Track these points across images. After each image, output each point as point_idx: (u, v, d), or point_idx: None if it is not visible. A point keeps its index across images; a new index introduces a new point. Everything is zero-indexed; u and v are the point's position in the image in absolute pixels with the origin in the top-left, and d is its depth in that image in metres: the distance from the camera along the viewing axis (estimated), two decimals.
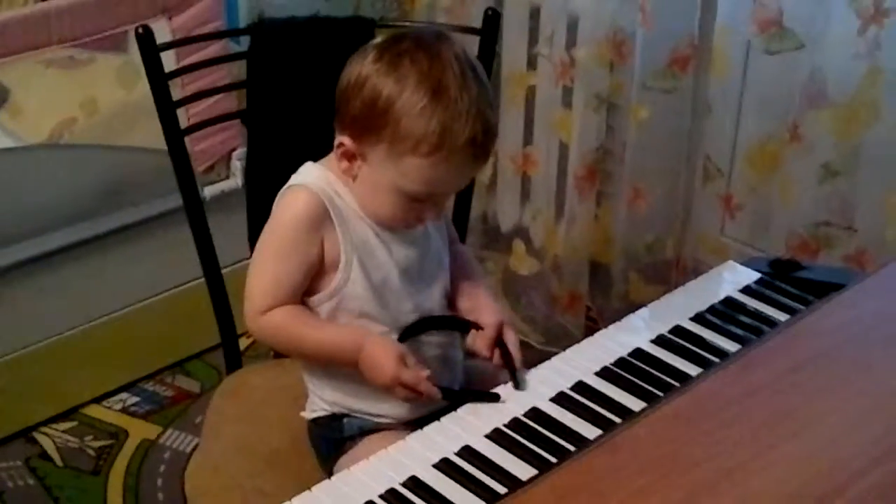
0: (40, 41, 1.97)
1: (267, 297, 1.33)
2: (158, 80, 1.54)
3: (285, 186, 1.35)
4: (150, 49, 1.52)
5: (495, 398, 1.29)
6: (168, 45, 1.58)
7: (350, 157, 1.31)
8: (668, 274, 2.42)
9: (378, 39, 1.31)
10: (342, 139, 1.31)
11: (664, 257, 2.42)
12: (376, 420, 1.41)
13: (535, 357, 2.44)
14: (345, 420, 1.42)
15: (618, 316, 2.41)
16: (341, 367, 1.37)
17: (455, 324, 1.42)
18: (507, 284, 2.67)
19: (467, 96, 1.25)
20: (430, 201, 1.32)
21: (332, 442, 1.43)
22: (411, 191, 1.29)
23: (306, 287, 1.35)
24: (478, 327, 1.39)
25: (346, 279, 1.34)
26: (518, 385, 1.31)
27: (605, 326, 2.43)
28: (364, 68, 1.28)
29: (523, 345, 2.19)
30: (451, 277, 1.45)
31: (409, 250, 1.37)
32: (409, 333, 1.38)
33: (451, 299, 1.44)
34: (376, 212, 1.33)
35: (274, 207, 1.36)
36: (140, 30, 1.50)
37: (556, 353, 2.36)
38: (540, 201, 2.54)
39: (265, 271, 1.34)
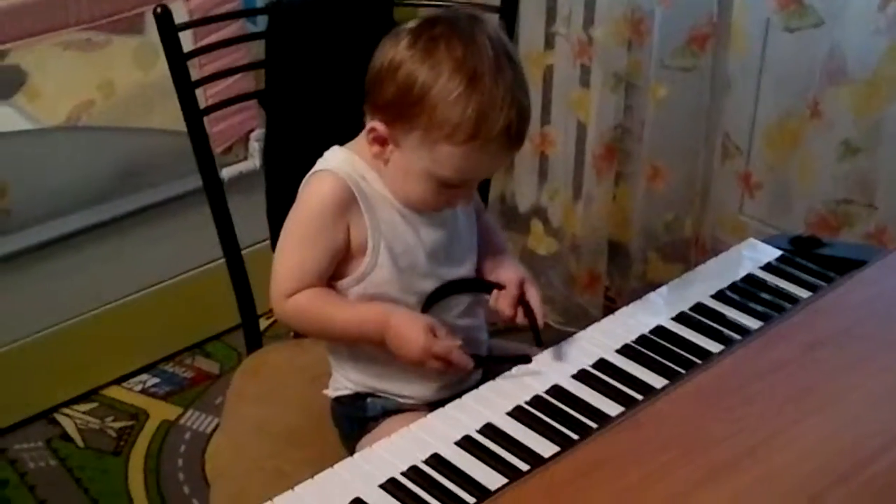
0: (58, 24, 1.98)
1: (293, 282, 1.33)
2: (177, 60, 1.53)
3: (311, 171, 1.35)
4: (168, 29, 1.51)
5: (527, 360, 1.29)
6: (186, 25, 1.58)
7: (382, 142, 1.30)
8: (686, 253, 2.41)
9: (412, 23, 1.28)
10: (374, 124, 1.29)
11: (683, 236, 2.42)
12: (400, 400, 1.41)
13: (554, 337, 2.46)
14: (368, 400, 1.42)
15: (636, 295, 2.40)
16: (369, 346, 1.36)
17: (477, 285, 1.41)
18: (525, 264, 2.62)
19: (503, 83, 1.23)
20: (462, 187, 1.31)
21: (356, 421, 1.43)
22: (444, 177, 1.28)
23: (332, 272, 1.35)
24: (500, 287, 1.38)
25: (374, 264, 1.34)
26: (540, 343, 1.31)
27: (624, 306, 2.48)
28: (398, 53, 1.26)
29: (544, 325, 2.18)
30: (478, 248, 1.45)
31: (436, 232, 1.37)
32: (432, 300, 1.37)
33: (476, 268, 1.44)
34: (407, 196, 1.32)
35: (300, 192, 1.35)
36: (158, 10, 1.50)
37: (574, 333, 2.37)
38: (558, 181, 2.54)
39: (291, 256, 1.34)
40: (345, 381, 1.44)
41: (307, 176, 1.35)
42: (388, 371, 1.38)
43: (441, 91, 1.22)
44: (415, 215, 1.35)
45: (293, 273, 1.33)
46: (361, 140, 1.34)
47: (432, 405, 1.36)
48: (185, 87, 1.55)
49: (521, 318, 1.37)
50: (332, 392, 1.46)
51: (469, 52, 1.23)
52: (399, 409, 1.41)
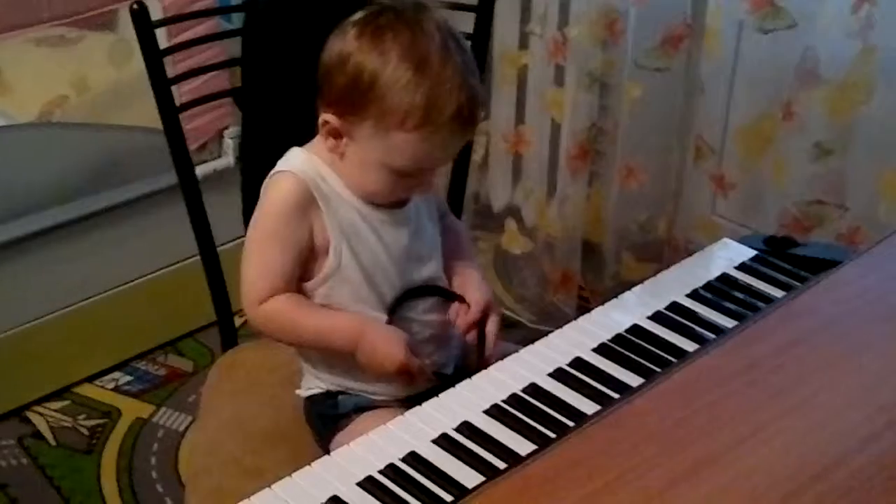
0: (31, 19, 1.96)
1: (262, 285, 1.33)
2: (153, 57, 1.53)
3: (271, 173, 1.35)
4: (144, 26, 1.51)
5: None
6: (163, 22, 1.57)
7: (336, 134, 1.30)
8: (660, 253, 2.43)
9: (357, 15, 1.29)
10: (327, 117, 1.30)
11: (656, 236, 2.43)
12: (371, 397, 1.41)
13: (528, 336, 2.47)
14: (340, 397, 1.42)
15: (610, 295, 2.41)
16: (339, 354, 1.37)
17: (439, 292, 1.41)
18: (499, 263, 2.68)
19: (451, 67, 1.24)
20: (419, 175, 1.31)
21: (328, 419, 1.43)
22: (400, 166, 1.28)
23: (300, 273, 1.35)
24: (463, 301, 1.39)
25: (338, 265, 1.34)
26: (479, 367, 1.31)
27: (598, 305, 2.49)
28: (346, 45, 1.27)
29: (516, 323, 2.20)
30: (442, 251, 1.45)
31: (398, 231, 1.37)
32: (396, 305, 1.37)
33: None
34: (365, 188, 1.33)
35: (262, 195, 1.35)
36: (135, 6, 1.49)
37: (548, 332, 2.37)
38: (532, 180, 2.54)
39: (258, 260, 1.34)
40: (315, 380, 1.44)
41: (267, 178, 1.35)
42: (357, 368, 1.38)
43: (390, 78, 1.23)
44: (375, 214, 1.35)
45: (261, 276, 1.33)
46: (320, 140, 1.34)
47: (403, 401, 1.37)
48: (160, 84, 1.55)
49: (471, 339, 1.39)
50: (303, 392, 1.46)
51: (416, 39, 1.24)
52: (371, 406, 1.41)
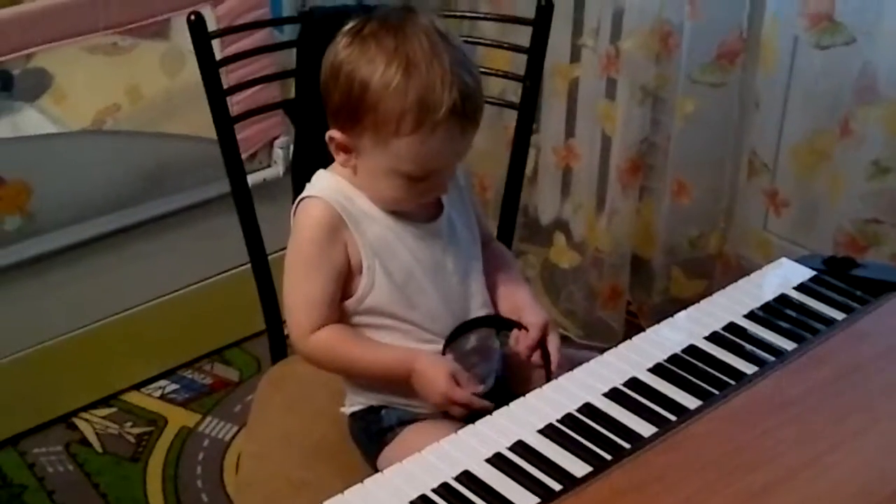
0: (86, 27, 1.97)
1: (309, 317, 1.34)
2: (209, 67, 1.53)
3: (299, 197, 1.35)
4: (201, 36, 1.51)
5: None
6: (220, 33, 1.57)
7: (344, 149, 1.31)
8: (710, 269, 2.40)
9: (346, 26, 1.30)
10: (332, 133, 1.31)
11: (707, 252, 2.40)
12: (414, 410, 1.40)
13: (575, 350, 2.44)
14: (383, 411, 1.42)
15: (658, 311, 2.43)
16: (392, 386, 1.37)
17: (498, 323, 1.41)
18: (546, 278, 2.66)
19: (439, 65, 1.23)
20: (431, 177, 1.30)
21: (373, 434, 1.43)
22: (407, 171, 1.28)
23: (341, 294, 1.35)
24: (522, 326, 1.38)
25: (371, 284, 1.34)
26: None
27: (646, 321, 2.47)
28: (336, 57, 1.28)
29: (563, 338, 2.18)
30: (488, 276, 1.44)
31: (430, 244, 1.36)
32: (452, 338, 1.37)
33: (490, 297, 1.43)
34: (383, 197, 1.32)
35: (293, 222, 1.36)
36: (192, 17, 1.49)
37: (595, 347, 2.35)
38: (581, 194, 2.52)
39: (300, 291, 1.34)
40: (357, 396, 1.44)
41: (295, 203, 1.35)
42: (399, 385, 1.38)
43: (379, 84, 1.23)
44: (406, 229, 1.34)
45: (306, 308, 1.34)
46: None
47: (446, 413, 1.36)
48: (216, 95, 1.55)
49: (536, 360, 1.38)
50: (347, 409, 1.46)
51: (400, 42, 1.24)
52: (415, 419, 1.40)
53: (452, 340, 1.37)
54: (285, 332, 1.72)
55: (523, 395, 1.25)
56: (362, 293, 1.35)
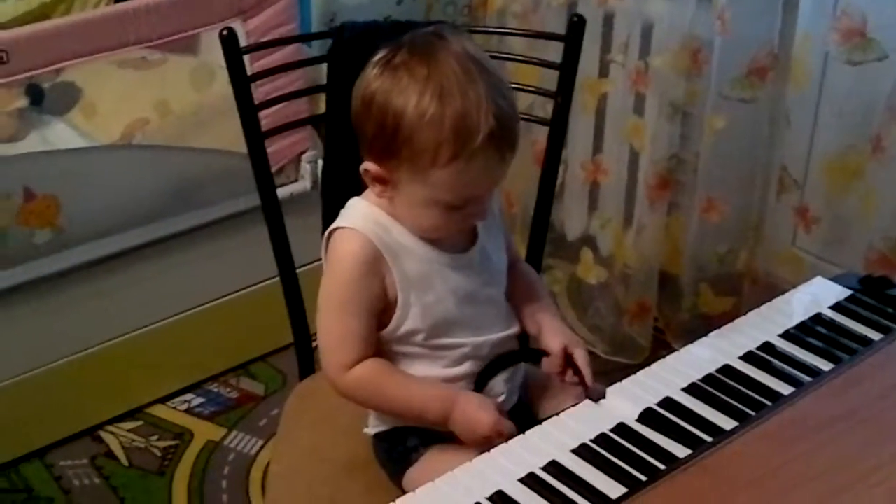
0: (116, 42, 1.98)
1: (346, 352, 1.32)
2: (241, 82, 1.53)
3: (333, 226, 1.33)
4: (233, 51, 1.51)
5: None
6: (253, 48, 1.58)
7: (380, 180, 1.28)
8: (739, 286, 2.38)
9: (377, 55, 1.27)
10: (367, 165, 1.28)
11: (735, 269, 2.38)
12: (438, 431, 1.38)
13: (601, 367, 2.44)
14: (407, 432, 1.41)
15: (686, 327, 2.41)
16: (427, 424, 1.35)
17: (526, 356, 1.41)
18: (573, 293, 2.64)
19: (473, 92, 1.21)
20: (471, 205, 1.28)
21: (397, 455, 1.41)
22: (446, 201, 1.26)
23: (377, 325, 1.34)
24: (546, 354, 1.37)
25: (405, 316, 1.33)
26: (594, 399, 1.28)
27: (674, 338, 2.46)
28: (368, 88, 1.25)
29: (590, 355, 2.17)
30: (515, 299, 1.43)
31: (465, 274, 1.34)
32: (485, 378, 1.36)
33: (518, 318, 1.43)
34: (422, 227, 1.30)
35: (328, 253, 1.33)
36: (224, 32, 1.49)
37: (622, 364, 2.33)
38: (609, 209, 2.51)
39: (336, 328, 1.32)
40: (380, 417, 1.43)
41: (329, 231, 1.33)
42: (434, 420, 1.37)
43: (413, 115, 1.21)
44: (441, 259, 1.32)
45: (343, 344, 1.32)
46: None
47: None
48: (247, 110, 1.55)
49: (570, 378, 1.36)
50: (370, 430, 1.45)
51: (432, 71, 1.22)
52: (438, 439, 1.38)
53: (484, 379, 1.36)
54: (313, 345, 1.73)
55: (544, 415, 1.24)
56: (396, 323, 1.33)
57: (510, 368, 1.40)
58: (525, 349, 1.41)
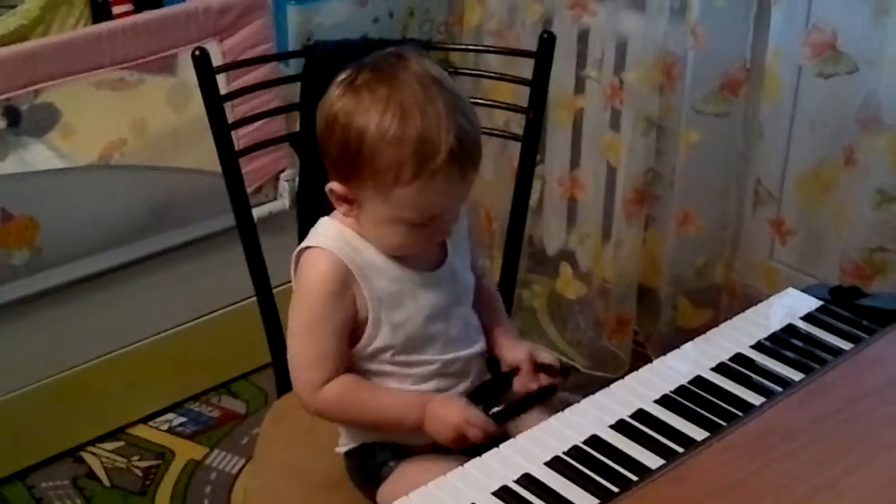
0: (93, 63, 1.99)
1: (317, 372, 1.32)
2: (214, 102, 1.54)
3: (303, 246, 1.33)
4: (206, 71, 1.52)
5: (551, 392, 1.33)
6: (225, 68, 1.58)
7: (346, 200, 1.29)
8: (717, 299, 2.40)
9: (339, 76, 1.28)
10: (332, 185, 1.29)
11: (713, 282, 2.40)
12: (408, 445, 1.40)
13: (582, 381, 2.45)
14: (376, 448, 1.42)
15: (665, 340, 2.42)
16: (403, 433, 1.36)
17: (498, 385, 1.41)
18: (553, 308, 2.66)
19: (433, 111, 1.22)
20: (434, 222, 1.29)
21: (368, 471, 1.42)
22: (410, 219, 1.27)
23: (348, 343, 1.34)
24: (516, 373, 1.39)
25: (375, 334, 1.33)
26: (566, 374, 1.35)
27: (653, 350, 2.47)
28: (332, 109, 1.27)
29: (569, 368, 2.20)
30: (479, 312, 1.44)
31: (434, 292, 1.35)
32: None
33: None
34: (387, 245, 1.31)
35: (298, 272, 1.34)
36: (197, 52, 1.50)
37: (602, 377, 2.34)
38: (587, 224, 2.53)
39: (307, 348, 1.33)
40: (350, 434, 1.44)
41: (298, 251, 1.33)
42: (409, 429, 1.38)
43: (374, 136, 1.22)
44: (411, 279, 1.33)
45: (314, 363, 1.32)
46: None
47: (439, 447, 1.35)
48: (221, 129, 1.56)
49: (545, 381, 1.38)
50: (341, 448, 1.45)
51: (394, 91, 1.23)
52: (408, 453, 1.39)
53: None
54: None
55: (519, 431, 1.24)
56: (367, 341, 1.34)
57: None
58: (497, 380, 1.42)
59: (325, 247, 1.31)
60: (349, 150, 1.24)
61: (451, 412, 1.30)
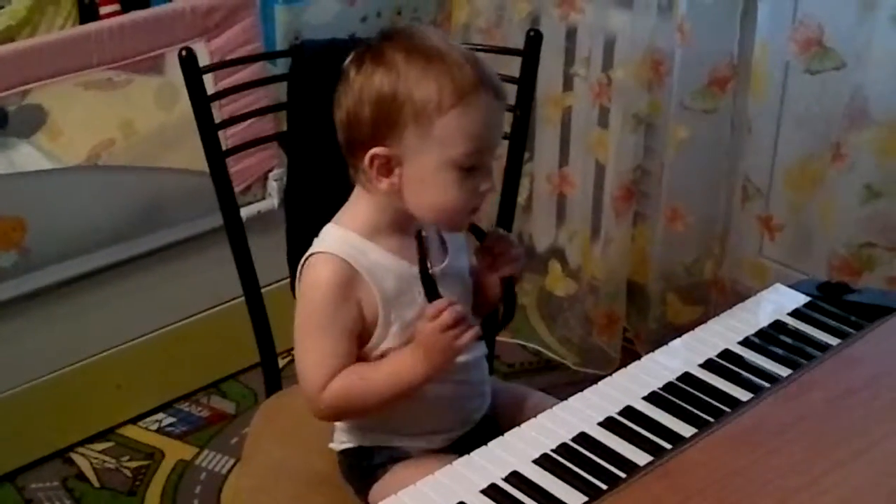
0: (81, 64, 1.99)
1: (323, 375, 1.30)
2: (201, 102, 1.53)
3: (308, 253, 1.32)
4: (193, 71, 1.52)
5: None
6: (211, 68, 1.58)
7: (387, 166, 1.27)
8: (706, 295, 2.40)
9: (349, 57, 1.30)
10: (373, 153, 1.26)
11: (702, 278, 2.40)
12: (405, 449, 1.40)
13: (571, 378, 2.45)
14: (374, 450, 1.41)
15: (655, 337, 2.43)
16: (412, 389, 1.32)
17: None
18: (543, 305, 2.66)
19: (455, 48, 1.26)
20: (479, 166, 1.27)
21: (363, 471, 1.42)
22: (458, 155, 1.24)
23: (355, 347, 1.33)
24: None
25: (384, 336, 1.33)
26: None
27: (643, 347, 2.47)
28: (354, 85, 1.27)
29: (559, 365, 2.19)
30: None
31: (442, 289, 1.32)
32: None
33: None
34: (433, 206, 1.28)
35: (303, 278, 1.32)
36: (183, 52, 1.50)
37: (592, 375, 2.35)
38: (576, 222, 2.53)
39: (313, 350, 1.31)
40: (348, 434, 1.43)
41: (305, 258, 1.32)
42: (388, 425, 1.38)
43: (406, 80, 1.23)
44: (417, 275, 1.31)
45: (321, 366, 1.31)
46: (350, 210, 1.33)
47: (437, 452, 1.37)
48: (208, 129, 1.55)
49: (504, 267, 1.39)
50: (336, 446, 1.45)
51: (415, 41, 1.26)
52: (405, 457, 1.39)
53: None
54: (280, 365, 1.73)
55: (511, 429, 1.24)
56: (376, 341, 1.33)
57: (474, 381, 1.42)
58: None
59: (329, 251, 1.30)
60: (384, 103, 1.24)
61: (419, 333, 1.28)
